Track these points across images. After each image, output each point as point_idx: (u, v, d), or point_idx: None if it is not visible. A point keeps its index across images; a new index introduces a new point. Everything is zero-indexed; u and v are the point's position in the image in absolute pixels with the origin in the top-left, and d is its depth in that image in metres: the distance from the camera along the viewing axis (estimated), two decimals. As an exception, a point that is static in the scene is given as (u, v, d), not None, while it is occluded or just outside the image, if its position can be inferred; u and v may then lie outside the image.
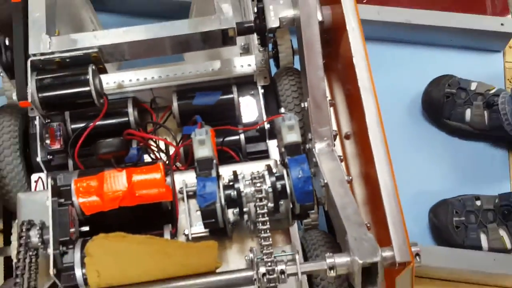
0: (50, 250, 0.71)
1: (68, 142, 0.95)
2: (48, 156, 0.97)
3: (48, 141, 0.96)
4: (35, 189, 0.95)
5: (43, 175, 0.96)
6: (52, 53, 0.87)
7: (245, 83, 1.04)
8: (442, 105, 1.34)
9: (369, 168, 0.81)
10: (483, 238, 1.21)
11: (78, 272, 0.71)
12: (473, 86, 1.34)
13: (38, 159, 0.96)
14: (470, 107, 1.32)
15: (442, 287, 1.24)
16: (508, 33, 1.42)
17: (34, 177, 0.96)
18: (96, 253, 0.69)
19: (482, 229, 1.21)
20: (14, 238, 0.99)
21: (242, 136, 0.95)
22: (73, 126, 0.96)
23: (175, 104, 0.99)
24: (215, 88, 1.01)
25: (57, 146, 0.96)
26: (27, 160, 0.98)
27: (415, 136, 1.38)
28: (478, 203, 1.23)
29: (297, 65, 1.00)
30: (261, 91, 1.02)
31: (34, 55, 0.87)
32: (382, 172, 0.75)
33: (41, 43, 0.88)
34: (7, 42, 0.92)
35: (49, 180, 0.79)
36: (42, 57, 0.87)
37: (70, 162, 0.96)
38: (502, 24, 1.42)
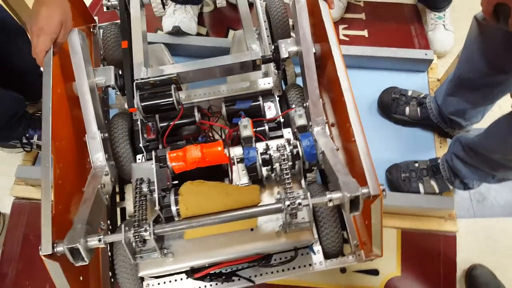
0: (156, 194, 0.72)
1: (159, 134, 0.94)
2: (147, 143, 0.96)
3: (145, 134, 0.95)
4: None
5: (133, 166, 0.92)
6: (148, 78, 0.87)
7: (266, 94, 1.02)
8: (390, 105, 1.32)
9: (350, 140, 0.79)
10: (421, 186, 1.19)
11: (173, 208, 0.72)
12: (409, 93, 1.32)
13: (141, 144, 0.95)
14: (408, 106, 1.30)
15: (396, 220, 1.21)
16: (429, 59, 1.39)
17: (138, 156, 0.95)
18: (185, 193, 0.69)
19: (420, 181, 1.19)
20: (128, 195, 1.01)
21: (266, 126, 0.93)
22: (161, 124, 0.95)
23: (223, 109, 0.98)
24: (248, 98, 1.00)
25: (152, 136, 0.95)
26: (133, 146, 0.96)
27: (374, 126, 1.36)
28: (417, 165, 1.22)
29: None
30: (277, 99, 1.00)
31: (137, 79, 0.87)
32: (359, 141, 0.75)
33: (141, 72, 0.88)
34: (120, 73, 0.93)
35: (153, 152, 0.81)
36: (142, 80, 0.87)
37: (160, 146, 0.94)
38: (426, 54, 1.39)
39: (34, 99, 1.25)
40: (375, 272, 1.15)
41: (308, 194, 0.70)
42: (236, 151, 0.83)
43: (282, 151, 0.76)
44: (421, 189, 1.19)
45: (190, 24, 1.45)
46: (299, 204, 0.69)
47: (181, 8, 1.48)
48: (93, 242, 0.66)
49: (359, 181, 0.70)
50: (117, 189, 1.00)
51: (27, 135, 1.19)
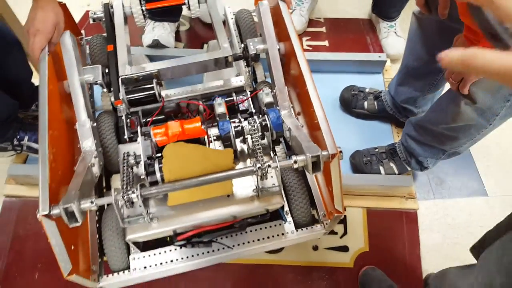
0: (142, 161, 0.80)
1: (142, 126, 0.98)
2: (131, 135, 0.98)
3: (130, 127, 1.00)
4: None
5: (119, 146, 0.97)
6: (132, 74, 0.95)
7: (239, 91, 1.08)
8: (350, 101, 1.43)
9: (312, 118, 0.87)
10: (381, 168, 1.28)
11: (158, 174, 0.78)
12: (367, 89, 1.43)
13: (125, 136, 0.98)
14: (366, 100, 1.41)
15: (362, 200, 1.28)
16: (383, 61, 1.52)
17: (118, 147, 0.97)
18: (169, 155, 0.75)
19: (380, 164, 1.28)
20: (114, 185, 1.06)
21: (239, 115, 0.97)
22: (143, 119, 0.99)
23: (201, 105, 1.02)
24: (223, 94, 1.04)
25: (136, 129, 0.98)
26: (118, 139, 0.99)
27: (338, 120, 1.45)
28: (376, 150, 1.31)
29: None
30: (248, 94, 1.06)
31: (122, 75, 0.96)
32: (318, 111, 0.84)
33: (126, 69, 0.97)
34: (106, 71, 1.01)
35: (138, 128, 0.89)
36: (126, 76, 0.95)
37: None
38: (379, 56, 1.52)
39: (25, 106, 1.32)
40: (345, 249, 1.22)
41: (276, 157, 0.78)
42: (212, 131, 0.91)
43: (252, 123, 0.85)
44: (382, 171, 1.27)
45: (168, 38, 1.55)
46: (269, 166, 0.76)
47: (159, 25, 1.59)
48: (86, 204, 0.73)
49: (319, 146, 0.78)
50: (103, 184, 1.06)
51: (18, 137, 1.25)
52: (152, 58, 1.48)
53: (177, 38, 1.69)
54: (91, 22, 1.18)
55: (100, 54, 1.18)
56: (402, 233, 1.24)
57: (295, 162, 0.77)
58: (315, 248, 1.22)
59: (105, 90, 1.04)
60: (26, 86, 1.25)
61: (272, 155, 0.93)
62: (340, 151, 0.78)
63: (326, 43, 1.68)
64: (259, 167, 0.76)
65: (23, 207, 1.27)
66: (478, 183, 1.40)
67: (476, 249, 0.98)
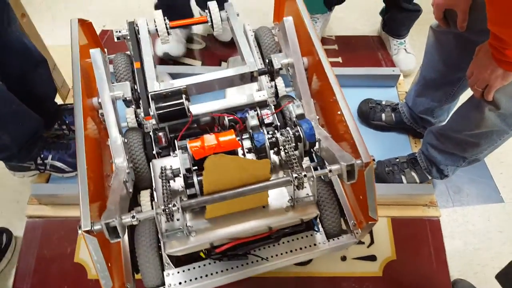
0: (181, 174, 0.78)
1: (170, 142, 0.99)
2: (159, 150, 0.99)
3: (158, 143, 1.00)
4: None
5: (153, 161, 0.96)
6: (161, 90, 0.93)
7: (262, 105, 1.09)
8: (368, 113, 1.43)
9: (341, 126, 0.87)
10: (403, 178, 1.27)
11: (196, 187, 0.76)
12: (383, 102, 1.44)
13: (154, 151, 0.98)
14: (384, 112, 1.41)
15: (385, 210, 1.27)
16: (397, 75, 1.53)
17: (152, 162, 0.97)
18: (209, 167, 0.73)
19: (402, 173, 1.27)
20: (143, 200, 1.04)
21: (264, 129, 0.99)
22: (170, 135, 1.00)
23: (226, 120, 1.00)
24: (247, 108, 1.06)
25: (163, 144, 0.99)
26: (146, 155, 0.99)
27: None
28: (397, 159, 1.30)
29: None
30: (272, 107, 1.06)
31: (151, 92, 0.92)
32: (349, 121, 0.83)
33: (155, 86, 0.94)
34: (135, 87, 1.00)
35: (176, 142, 0.87)
36: (156, 92, 0.92)
37: (170, 153, 0.97)
38: (393, 71, 1.53)
39: (48, 125, 1.30)
40: (373, 258, 1.19)
41: (311, 167, 0.77)
42: (245, 144, 0.89)
43: (286, 134, 0.83)
44: (404, 180, 1.26)
45: (178, 47, 1.56)
46: (305, 175, 0.75)
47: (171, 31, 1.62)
48: (127, 219, 0.71)
49: (353, 155, 0.77)
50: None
51: (42, 155, 1.23)
52: (173, 76, 1.47)
53: (194, 56, 1.69)
54: (116, 40, 1.17)
55: (125, 71, 1.17)
56: (427, 240, 1.22)
57: (330, 171, 0.77)
58: (344, 258, 1.19)
59: (133, 107, 1.04)
60: (50, 104, 1.23)
61: (305, 165, 0.92)
62: (373, 159, 0.78)
63: (339, 59, 1.68)
64: (295, 177, 0.75)
65: (47, 227, 1.23)
66: (494, 190, 1.40)
67: (502, 277, 0.98)
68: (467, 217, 1.33)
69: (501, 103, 0.89)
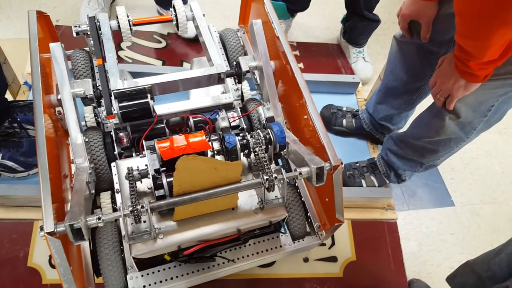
0: (150, 174, 0.77)
1: (132, 142, 0.97)
2: (121, 151, 0.98)
3: (119, 143, 0.98)
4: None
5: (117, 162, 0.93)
6: (125, 88, 0.90)
7: (228, 107, 1.11)
8: (330, 118, 1.47)
9: (308, 129, 0.90)
10: (363, 181, 1.32)
11: (166, 187, 0.76)
12: (344, 108, 1.48)
13: (115, 152, 0.97)
14: (345, 118, 1.46)
15: (346, 212, 1.22)
16: (356, 82, 1.58)
17: (112, 164, 0.95)
18: (180, 167, 0.71)
19: (362, 177, 1.32)
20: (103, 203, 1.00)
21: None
22: (133, 135, 0.98)
23: (191, 121, 0.99)
24: (212, 110, 1.08)
25: (125, 144, 0.98)
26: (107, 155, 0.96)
27: None
28: (357, 164, 1.35)
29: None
30: (238, 111, 1.07)
31: (115, 90, 0.90)
32: (318, 124, 0.85)
33: (118, 84, 0.92)
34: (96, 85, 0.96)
35: (144, 142, 0.85)
36: (119, 91, 0.90)
37: (133, 154, 0.98)
38: (353, 78, 1.59)
39: (-2, 123, 1.23)
40: (334, 259, 1.23)
41: (282, 170, 0.78)
42: (214, 145, 0.88)
43: (256, 136, 0.84)
44: (364, 184, 1.31)
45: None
46: (275, 178, 0.76)
47: (94, 0, 1.70)
48: (92, 221, 0.68)
49: (321, 158, 0.79)
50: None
51: (-8, 156, 1.15)
52: (134, 75, 1.44)
53: (156, 55, 1.66)
54: (74, 35, 1.13)
55: (84, 68, 1.14)
56: (385, 242, 1.27)
57: (300, 174, 0.78)
58: (306, 260, 1.22)
59: (93, 105, 1.01)
60: (0, 100, 1.16)
61: (274, 167, 0.93)
62: (341, 162, 0.80)
63: (301, 65, 1.72)
64: (266, 179, 0.76)
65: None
66: (446, 195, 1.49)
67: (450, 280, 1.06)
68: (421, 220, 1.40)
69: (461, 112, 0.94)
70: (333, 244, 1.26)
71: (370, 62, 1.77)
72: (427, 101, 1.13)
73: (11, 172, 1.19)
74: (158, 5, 1.81)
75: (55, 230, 0.67)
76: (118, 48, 1.65)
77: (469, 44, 0.73)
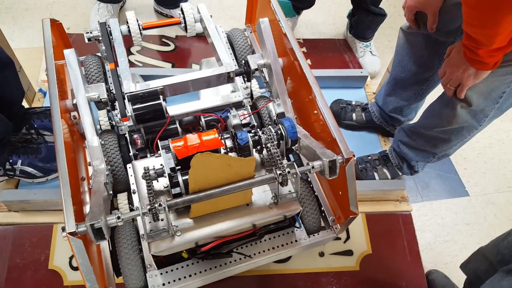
0: (166, 173, 0.78)
1: (147, 143, 0.99)
2: (136, 152, 1.00)
3: (134, 144, 1.00)
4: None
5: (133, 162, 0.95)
6: (137, 91, 0.92)
7: (238, 106, 1.12)
8: (340, 113, 1.47)
9: (319, 124, 0.90)
10: (376, 174, 1.31)
11: (182, 185, 0.77)
12: (353, 102, 1.48)
13: (131, 153, 0.99)
14: (354, 112, 1.46)
15: (360, 206, 1.23)
16: (364, 76, 1.58)
17: (128, 165, 0.98)
18: (195, 165, 0.72)
19: (374, 170, 1.32)
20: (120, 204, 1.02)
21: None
22: (146, 137, 1.00)
23: (202, 120, 1.02)
24: (222, 109, 1.09)
25: (140, 146, 1.00)
26: (122, 157, 0.98)
27: None
28: (369, 157, 1.35)
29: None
30: (248, 108, 1.09)
31: (128, 93, 0.92)
32: (329, 118, 0.86)
33: (131, 87, 0.94)
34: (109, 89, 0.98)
35: (158, 142, 0.87)
36: (132, 93, 0.92)
37: (148, 155, 0.99)
38: (361, 72, 1.58)
39: (16, 129, 1.25)
40: (349, 253, 1.23)
41: (295, 164, 0.79)
42: (227, 143, 0.89)
43: (268, 132, 0.85)
44: (376, 177, 1.31)
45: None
46: (288, 172, 0.77)
47: (103, 7, 1.73)
48: (112, 220, 0.70)
49: (334, 151, 0.80)
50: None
51: (11, 161, 1.18)
52: (145, 78, 1.46)
53: (164, 58, 1.69)
54: (87, 41, 1.15)
55: (97, 73, 1.16)
56: (400, 234, 1.27)
57: (313, 167, 0.79)
58: (321, 254, 1.22)
59: (108, 108, 1.02)
60: (17, 108, 1.19)
61: (287, 163, 0.94)
62: (353, 155, 0.81)
63: (309, 61, 1.72)
64: (280, 174, 0.77)
65: (18, 234, 1.19)
66: (460, 185, 1.48)
67: (464, 267, 1.06)
68: (436, 211, 1.40)
69: (472, 100, 0.94)
70: (348, 238, 1.26)
71: (378, 56, 1.77)
72: (437, 92, 1.13)
73: (30, 178, 1.22)
74: (159, 4, 1.83)
75: (77, 230, 0.69)
76: (128, 52, 1.68)
77: (477, 32, 0.73)
